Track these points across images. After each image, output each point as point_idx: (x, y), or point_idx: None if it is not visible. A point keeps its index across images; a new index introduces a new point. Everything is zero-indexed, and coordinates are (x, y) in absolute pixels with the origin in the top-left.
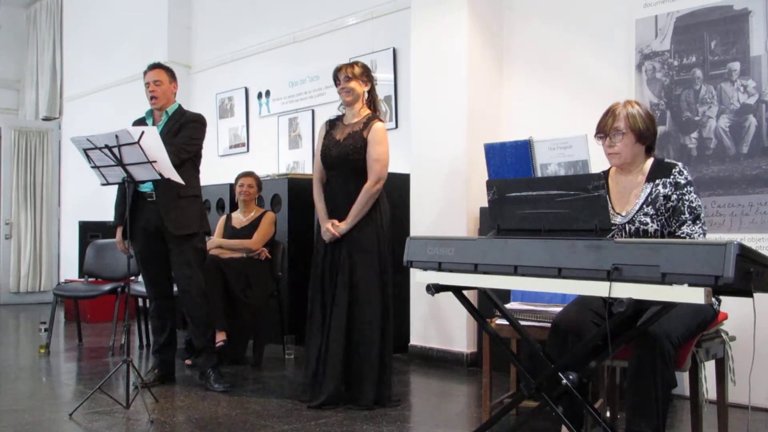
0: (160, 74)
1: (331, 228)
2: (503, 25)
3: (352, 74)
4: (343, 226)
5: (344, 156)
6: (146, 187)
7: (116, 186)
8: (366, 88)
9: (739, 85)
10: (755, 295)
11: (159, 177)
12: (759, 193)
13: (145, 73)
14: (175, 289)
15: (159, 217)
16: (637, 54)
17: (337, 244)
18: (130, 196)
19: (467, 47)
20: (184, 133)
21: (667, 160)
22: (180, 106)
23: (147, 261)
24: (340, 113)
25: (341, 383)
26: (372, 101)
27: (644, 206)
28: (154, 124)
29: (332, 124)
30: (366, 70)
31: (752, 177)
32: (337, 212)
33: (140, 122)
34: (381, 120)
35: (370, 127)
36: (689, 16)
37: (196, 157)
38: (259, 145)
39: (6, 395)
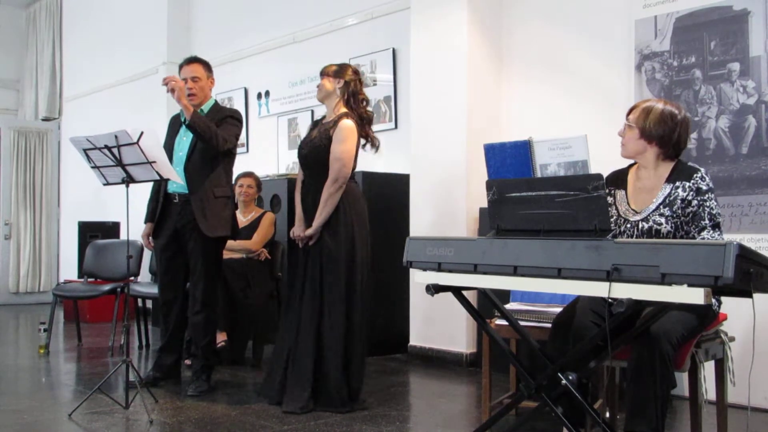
0: (198, 69)
1: (298, 234)
2: (503, 26)
3: (323, 72)
4: (309, 231)
5: (312, 154)
6: (172, 188)
7: (116, 186)
8: (338, 85)
9: (739, 85)
10: (755, 295)
11: (158, 177)
12: (758, 194)
13: (181, 66)
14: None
15: (186, 218)
16: (637, 54)
17: (307, 247)
18: (162, 195)
19: (467, 47)
20: (223, 124)
21: (689, 163)
22: (216, 102)
23: (167, 261)
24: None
25: (311, 388)
26: (350, 98)
27: (661, 206)
28: None
29: (316, 124)
30: (341, 68)
31: (752, 177)
32: (310, 211)
33: (175, 117)
34: (351, 117)
35: (337, 124)
36: (689, 17)
37: (230, 156)
38: (258, 145)
39: (5, 395)
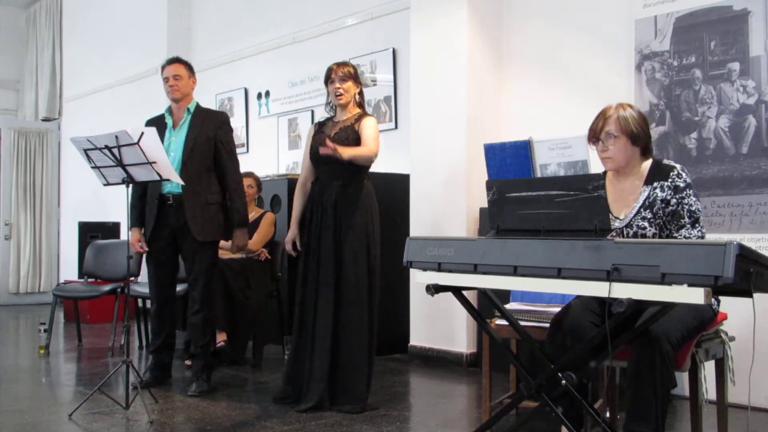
0: (180, 68)
1: (292, 244)
2: (503, 26)
3: (348, 73)
4: (337, 149)
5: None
6: (166, 189)
7: (116, 186)
8: (357, 90)
9: (739, 85)
10: (755, 295)
11: (158, 177)
12: (758, 194)
13: (163, 67)
14: (179, 288)
15: (179, 221)
16: (637, 54)
17: (323, 236)
18: (156, 198)
19: (467, 47)
20: (226, 142)
21: (665, 161)
22: (198, 104)
23: (159, 263)
24: (328, 114)
25: (327, 387)
26: (362, 102)
27: (642, 210)
28: (174, 123)
29: (322, 125)
30: (356, 71)
31: (752, 177)
32: (324, 206)
33: (156, 121)
34: (372, 116)
35: (361, 121)
36: (689, 17)
37: None
38: (258, 145)
39: (6, 396)
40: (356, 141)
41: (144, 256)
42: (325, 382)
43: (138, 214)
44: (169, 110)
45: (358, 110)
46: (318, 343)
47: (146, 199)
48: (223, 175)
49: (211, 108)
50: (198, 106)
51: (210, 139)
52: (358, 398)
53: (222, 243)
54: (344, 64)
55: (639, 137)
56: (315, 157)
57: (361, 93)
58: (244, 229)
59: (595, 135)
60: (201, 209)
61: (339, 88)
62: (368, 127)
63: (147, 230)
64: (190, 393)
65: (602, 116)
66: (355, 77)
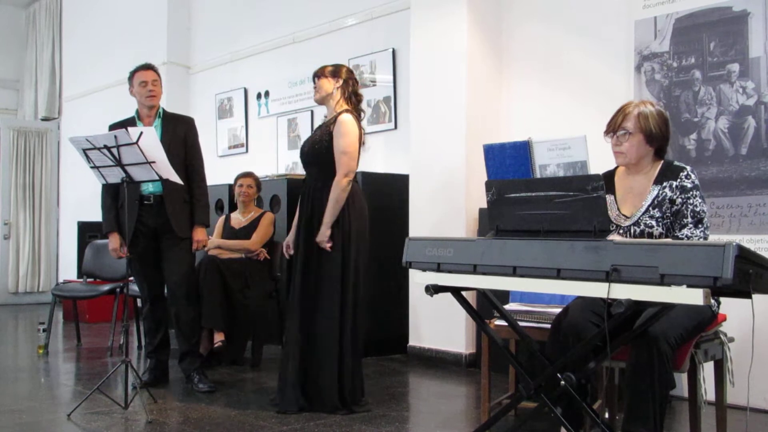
0: (155, 74)
1: (288, 248)
2: (503, 26)
3: (320, 73)
4: (318, 237)
5: (311, 152)
6: (147, 191)
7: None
8: (337, 85)
9: (738, 86)
10: (754, 296)
11: (158, 178)
12: (758, 195)
13: (135, 72)
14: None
15: (160, 219)
16: (637, 55)
17: (301, 244)
18: (136, 200)
19: (467, 48)
20: (195, 144)
21: (676, 162)
22: (164, 108)
23: (144, 262)
24: None
25: (302, 389)
26: (351, 97)
27: (650, 209)
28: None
29: (320, 127)
30: (337, 68)
31: (751, 178)
32: (310, 210)
33: (125, 125)
34: (351, 112)
35: (337, 119)
36: (688, 18)
37: None
38: (258, 145)
39: (4, 396)
40: (327, 142)
41: (128, 258)
42: (299, 386)
43: (114, 218)
44: (138, 115)
45: (345, 106)
46: (293, 346)
47: (119, 202)
48: (190, 174)
49: (177, 113)
50: (165, 110)
51: (182, 141)
52: (332, 403)
53: (221, 243)
54: (323, 66)
55: (655, 137)
56: (301, 157)
57: (345, 83)
58: (203, 227)
59: (612, 130)
60: (180, 207)
61: (314, 86)
62: (340, 136)
63: (128, 232)
64: (205, 390)
65: (622, 112)
66: (329, 74)
